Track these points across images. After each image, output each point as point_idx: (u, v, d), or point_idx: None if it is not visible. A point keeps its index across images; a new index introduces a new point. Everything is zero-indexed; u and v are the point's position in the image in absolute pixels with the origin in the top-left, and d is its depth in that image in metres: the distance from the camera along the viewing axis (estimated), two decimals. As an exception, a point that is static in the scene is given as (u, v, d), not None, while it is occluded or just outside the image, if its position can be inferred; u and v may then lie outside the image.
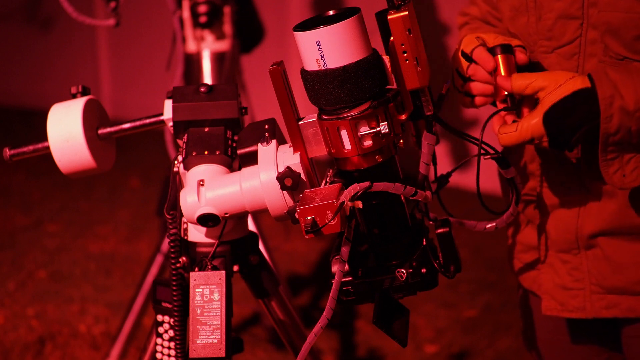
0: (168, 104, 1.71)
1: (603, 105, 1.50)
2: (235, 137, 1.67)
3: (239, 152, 1.59)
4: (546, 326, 1.87)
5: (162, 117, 1.72)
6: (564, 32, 1.60)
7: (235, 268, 1.71)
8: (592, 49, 1.59)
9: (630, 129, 1.50)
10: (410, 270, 1.48)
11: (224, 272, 1.62)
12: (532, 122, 1.54)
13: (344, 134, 1.41)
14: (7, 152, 1.75)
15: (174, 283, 1.66)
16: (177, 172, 1.65)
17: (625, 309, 1.70)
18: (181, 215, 1.64)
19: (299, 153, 1.50)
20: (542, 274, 1.76)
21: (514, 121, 1.57)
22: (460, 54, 1.66)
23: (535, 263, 1.78)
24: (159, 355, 1.75)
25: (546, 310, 1.77)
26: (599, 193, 1.65)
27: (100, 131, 1.73)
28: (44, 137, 1.70)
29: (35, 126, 6.19)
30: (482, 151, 1.54)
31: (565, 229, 1.71)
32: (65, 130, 1.67)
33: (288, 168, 1.50)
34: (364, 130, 1.41)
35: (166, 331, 1.73)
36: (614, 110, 1.49)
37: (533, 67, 1.67)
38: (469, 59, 1.64)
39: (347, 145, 1.42)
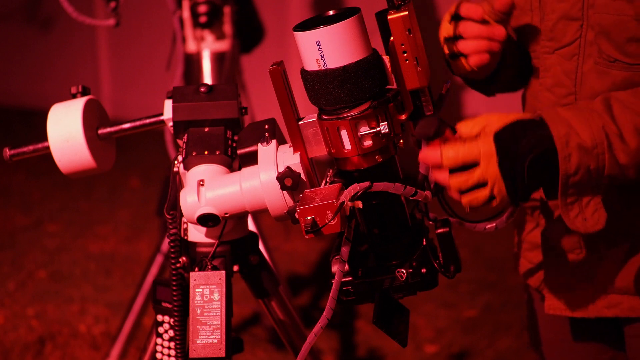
0: (168, 104, 1.71)
1: (559, 144, 1.43)
2: (235, 137, 1.67)
3: (239, 152, 1.58)
4: (550, 327, 1.87)
5: (162, 117, 1.72)
6: (565, 33, 1.60)
7: (235, 268, 1.71)
8: (590, 50, 1.59)
9: (590, 167, 1.44)
10: (410, 270, 1.48)
11: (224, 272, 1.62)
12: (481, 138, 1.43)
13: (344, 134, 1.41)
14: (7, 152, 1.75)
15: (174, 283, 1.66)
16: (177, 172, 1.65)
17: (627, 308, 1.70)
18: (181, 215, 1.64)
19: (299, 153, 1.50)
20: (547, 273, 1.77)
21: None
22: (447, 20, 1.61)
23: (540, 261, 1.79)
24: (159, 355, 1.75)
25: (549, 310, 1.77)
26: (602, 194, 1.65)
27: (100, 131, 1.73)
28: (44, 137, 1.70)
29: (35, 126, 6.19)
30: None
31: (569, 229, 1.70)
32: (65, 130, 1.67)
33: (288, 168, 1.50)
34: (364, 130, 1.41)
35: (166, 331, 1.73)
36: (571, 149, 1.43)
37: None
38: (457, 17, 1.59)
39: (347, 145, 1.42)
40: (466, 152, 1.43)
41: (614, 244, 1.67)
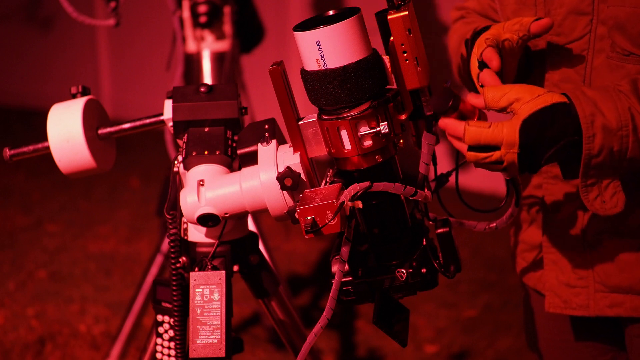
0: (168, 104, 1.71)
1: (584, 124, 1.43)
2: (235, 137, 1.67)
3: (239, 152, 1.59)
4: (550, 326, 1.86)
5: (162, 117, 1.72)
6: (574, 28, 1.60)
7: (235, 268, 1.71)
8: (601, 45, 1.58)
9: (613, 149, 1.44)
10: (410, 270, 1.48)
11: (224, 272, 1.62)
12: (508, 125, 1.45)
13: (344, 134, 1.42)
14: (7, 152, 1.75)
15: (174, 283, 1.66)
16: (177, 172, 1.65)
17: (630, 308, 1.70)
18: (181, 215, 1.64)
19: (299, 153, 1.50)
20: (547, 271, 1.76)
21: None
22: (477, 64, 1.60)
23: (540, 261, 1.78)
24: (159, 355, 1.75)
25: (549, 307, 1.77)
26: None
27: (100, 131, 1.73)
28: (44, 137, 1.70)
29: (35, 126, 6.19)
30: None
31: (571, 227, 1.70)
32: (65, 130, 1.67)
33: (288, 168, 1.50)
34: (364, 130, 1.41)
35: (166, 331, 1.73)
36: (596, 129, 1.43)
37: (536, 60, 1.66)
38: (483, 65, 1.59)
39: (347, 145, 1.42)
40: (489, 136, 1.44)
41: (618, 242, 1.67)
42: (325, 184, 1.47)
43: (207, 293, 1.60)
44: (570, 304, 1.74)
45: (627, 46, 1.55)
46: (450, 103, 1.44)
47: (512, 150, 1.44)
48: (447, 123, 1.47)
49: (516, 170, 1.47)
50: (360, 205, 1.37)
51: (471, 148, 1.46)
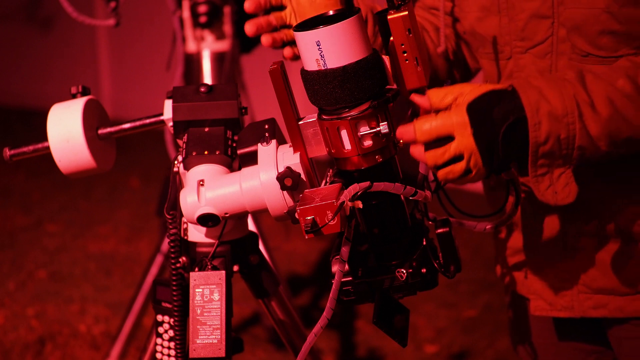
0: (168, 104, 1.71)
1: (529, 111, 1.41)
2: (235, 137, 1.67)
3: (239, 152, 1.59)
4: (534, 330, 1.86)
5: (162, 117, 1.72)
6: (536, 31, 1.60)
7: (235, 268, 1.71)
8: (563, 47, 1.59)
9: (560, 136, 1.42)
10: (410, 270, 1.48)
11: (224, 272, 1.62)
12: (454, 109, 1.41)
13: (344, 134, 1.42)
14: (7, 152, 1.75)
15: (174, 283, 1.66)
16: (177, 172, 1.66)
17: (614, 309, 1.69)
18: (181, 215, 1.64)
19: (299, 153, 1.50)
20: (530, 274, 1.76)
21: None
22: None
23: (524, 265, 1.78)
24: (159, 355, 1.75)
25: (535, 311, 1.76)
26: (584, 195, 1.64)
27: (100, 131, 1.73)
28: (44, 137, 1.70)
29: (35, 126, 6.20)
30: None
31: (552, 229, 1.70)
32: (65, 130, 1.67)
33: (288, 168, 1.50)
34: (364, 130, 1.41)
35: (166, 331, 1.73)
36: (541, 116, 1.41)
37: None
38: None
39: (347, 145, 1.42)
40: (439, 125, 1.40)
41: (598, 244, 1.67)
42: (325, 184, 1.47)
43: (207, 293, 1.60)
44: (555, 305, 1.74)
45: (585, 47, 1.56)
46: (410, 112, 1.43)
47: (466, 132, 1.40)
48: (400, 130, 1.43)
49: (481, 167, 1.41)
50: (360, 205, 1.37)
51: (427, 147, 1.42)
